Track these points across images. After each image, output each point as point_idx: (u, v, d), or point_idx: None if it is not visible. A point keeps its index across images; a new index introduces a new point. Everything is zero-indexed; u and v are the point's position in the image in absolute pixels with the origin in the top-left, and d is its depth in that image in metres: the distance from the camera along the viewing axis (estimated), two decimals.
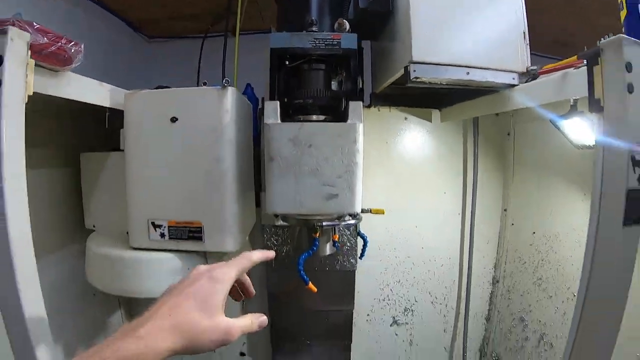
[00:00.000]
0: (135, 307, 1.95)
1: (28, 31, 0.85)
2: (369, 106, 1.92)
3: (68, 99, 1.05)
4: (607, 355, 0.84)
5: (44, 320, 0.90)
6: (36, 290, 0.88)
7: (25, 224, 0.86)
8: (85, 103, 1.13)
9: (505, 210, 2.14)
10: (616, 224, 0.76)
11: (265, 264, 1.88)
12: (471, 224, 2.09)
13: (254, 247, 1.72)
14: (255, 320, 0.72)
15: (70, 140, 1.53)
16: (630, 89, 0.75)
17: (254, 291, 0.81)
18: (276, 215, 1.23)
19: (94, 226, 1.54)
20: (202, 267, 0.69)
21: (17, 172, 0.82)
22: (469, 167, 2.08)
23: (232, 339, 0.64)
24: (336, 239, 1.33)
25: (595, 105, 0.80)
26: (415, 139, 2.05)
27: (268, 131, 1.16)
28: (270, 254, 0.82)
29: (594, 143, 0.81)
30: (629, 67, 0.76)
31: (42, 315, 0.89)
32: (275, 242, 1.85)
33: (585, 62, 0.87)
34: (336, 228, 1.29)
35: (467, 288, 2.15)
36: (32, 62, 0.86)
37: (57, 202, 1.51)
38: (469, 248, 2.11)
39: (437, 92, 1.61)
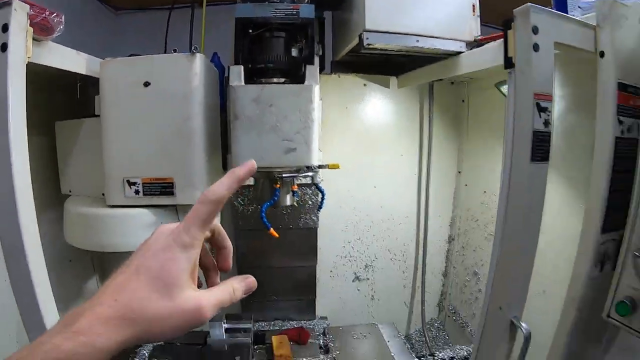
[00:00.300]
0: (109, 272, 2.05)
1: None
2: (330, 73, 2.06)
3: (44, 69, 1.16)
4: (526, 275, 1.03)
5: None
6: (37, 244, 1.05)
7: (27, 176, 1.03)
8: (56, 74, 1.26)
9: (459, 172, 2.35)
10: (525, 160, 0.93)
11: (234, 226, 2.06)
12: (427, 185, 2.29)
13: (224, 207, 1.84)
14: (238, 286, 0.59)
15: (43, 110, 1.61)
16: (535, 48, 0.93)
17: (230, 261, 0.65)
18: None
19: (70, 191, 1.64)
20: (164, 228, 0.55)
21: (20, 128, 0.99)
22: (424, 132, 2.26)
23: (204, 319, 0.52)
24: (295, 189, 1.51)
25: (508, 62, 0.99)
26: (374, 105, 2.22)
27: (233, 93, 1.33)
28: (241, 173, 0.58)
29: (507, 93, 1.01)
30: (535, 30, 0.94)
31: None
32: (242, 201, 2.01)
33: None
34: (295, 179, 1.47)
35: (424, 245, 2.36)
36: (31, 29, 1.03)
37: (32, 170, 1.60)
38: (425, 208, 2.32)
39: (393, 59, 1.79)
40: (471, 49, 1.50)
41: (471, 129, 2.28)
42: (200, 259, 0.58)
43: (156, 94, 1.36)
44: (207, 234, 0.58)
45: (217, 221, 0.60)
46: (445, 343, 2.36)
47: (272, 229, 1.45)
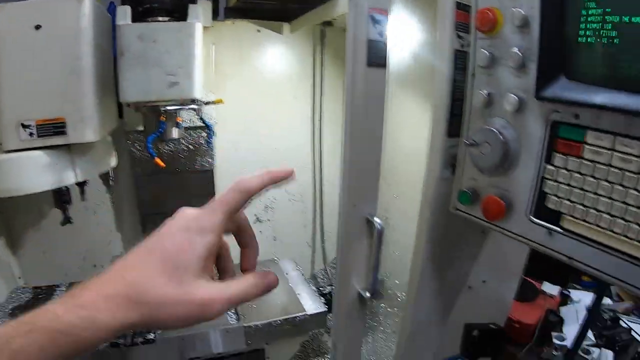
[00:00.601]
0: (17, 238, 2.08)
1: None
2: (223, 19, 2.14)
3: None
4: (374, 174, 1.19)
5: None
6: None
7: None
8: None
9: None
10: (363, 65, 1.08)
11: (133, 173, 2.10)
12: (320, 127, 2.47)
13: (121, 154, 1.90)
14: (259, 281, 0.54)
15: None
16: None
17: (254, 262, 0.60)
18: (128, 105, 1.50)
19: None
20: (187, 210, 0.53)
21: None
22: (316, 76, 2.42)
23: (213, 313, 0.48)
24: (179, 121, 1.63)
25: None
26: (268, 50, 2.34)
27: (119, 31, 1.42)
28: (278, 173, 0.59)
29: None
30: None
31: None
32: (139, 147, 2.06)
33: None
34: (180, 112, 1.59)
35: (320, 187, 2.54)
36: None
37: None
38: (319, 149, 2.49)
39: (285, 5, 1.92)
40: None
41: None
42: (219, 259, 0.56)
43: (47, 36, 1.40)
44: (231, 226, 0.56)
45: (244, 218, 0.59)
46: None
47: (157, 158, 1.57)
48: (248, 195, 0.53)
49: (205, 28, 1.61)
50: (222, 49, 2.14)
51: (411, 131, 1.81)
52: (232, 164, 2.34)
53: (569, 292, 2.02)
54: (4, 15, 1.40)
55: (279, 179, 0.58)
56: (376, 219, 1.15)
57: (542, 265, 1.44)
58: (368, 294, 1.19)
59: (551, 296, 1.89)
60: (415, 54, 1.54)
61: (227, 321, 1.81)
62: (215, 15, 2.04)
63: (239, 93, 2.26)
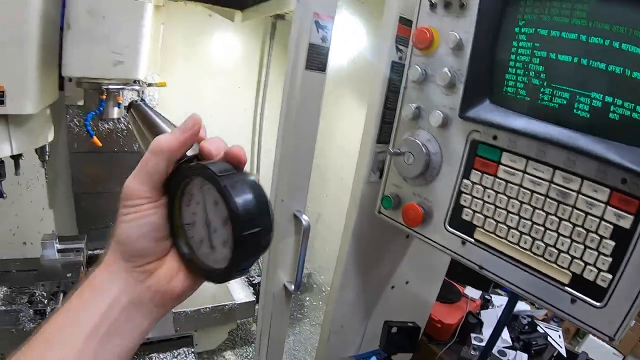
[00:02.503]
0: None
1: None
2: (176, 0, 2.13)
3: None
4: (305, 172, 1.22)
5: None
6: None
7: None
8: None
9: None
10: (301, 68, 1.10)
11: (69, 149, 2.07)
12: (261, 117, 2.50)
13: (58, 128, 1.88)
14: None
15: None
16: None
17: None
18: (70, 80, 1.48)
19: None
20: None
21: None
22: (263, 68, 2.45)
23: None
24: (120, 101, 1.62)
25: None
26: (218, 36, 2.35)
27: (69, 3, 1.39)
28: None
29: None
30: None
31: None
32: (77, 123, 2.04)
33: None
34: (122, 92, 1.59)
35: (257, 172, 2.57)
36: None
37: None
38: (259, 138, 2.53)
39: None
40: None
41: None
42: None
43: None
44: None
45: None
46: None
47: (95, 137, 1.56)
48: (170, 156, 0.46)
49: (156, 7, 1.60)
50: (171, 30, 2.12)
51: (347, 131, 1.86)
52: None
53: (491, 296, 2.12)
54: None
55: (191, 131, 0.47)
56: (304, 216, 1.20)
57: (465, 270, 1.53)
58: (293, 287, 1.24)
59: (473, 299, 2.00)
60: (355, 58, 1.59)
61: None
62: None
63: (184, 76, 2.26)
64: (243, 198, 0.42)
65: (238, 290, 2.00)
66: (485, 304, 2.09)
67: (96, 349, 0.43)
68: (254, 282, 2.38)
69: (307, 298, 2.01)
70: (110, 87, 1.50)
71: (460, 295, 1.99)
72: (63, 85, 1.69)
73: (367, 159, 1.09)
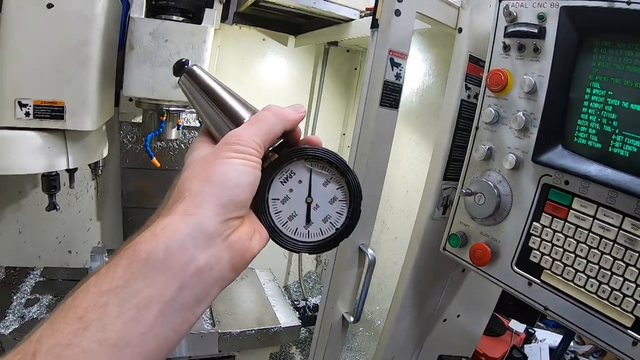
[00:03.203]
0: None
1: None
2: (232, 24, 2.19)
3: None
4: (372, 205, 1.21)
5: None
6: None
7: None
8: None
9: (343, 134, 2.61)
10: (376, 105, 1.12)
11: (120, 164, 2.14)
12: None
13: (111, 144, 1.93)
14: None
15: None
16: (397, 13, 1.11)
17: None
18: (131, 100, 1.53)
19: None
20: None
21: None
22: (314, 93, 2.48)
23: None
24: (179, 123, 1.67)
25: (374, 23, 1.15)
26: (270, 60, 2.39)
27: (132, 24, 1.44)
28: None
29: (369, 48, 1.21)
30: None
31: None
32: (130, 139, 2.11)
33: None
34: (181, 114, 1.64)
35: None
36: None
37: None
38: None
39: (294, 19, 1.98)
40: (362, 17, 1.73)
41: (358, 95, 2.50)
42: None
43: (58, 16, 1.39)
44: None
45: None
46: (320, 293, 2.59)
47: (154, 158, 1.61)
48: (286, 125, 0.50)
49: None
50: (225, 53, 2.18)
51: (408, 167, 1.87)
52: None
53: (535, 330, 2.11)
54: None
55: (303, 113, 0.53)
56: (369, 250, 1.20)
57: (511, 303, 1.52)
58: (352, 319, 1.24)
59: (517, 333, 1.98)
60: (422, 94, 1.61)
61: (202, 326, 1.84)
62: (223, 18, 2.10)
63: None
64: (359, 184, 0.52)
65: (283, 314, 2.02)
66: (529, 338, 2.07)
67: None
68: (298, 305, 2.39)
69: (361, 328, 2.01)
70: (171, 109, 1.55)
71: (505, 328, 1.97)
72: (118, 101, 1.74)
73: (432, 196, 1.11)
